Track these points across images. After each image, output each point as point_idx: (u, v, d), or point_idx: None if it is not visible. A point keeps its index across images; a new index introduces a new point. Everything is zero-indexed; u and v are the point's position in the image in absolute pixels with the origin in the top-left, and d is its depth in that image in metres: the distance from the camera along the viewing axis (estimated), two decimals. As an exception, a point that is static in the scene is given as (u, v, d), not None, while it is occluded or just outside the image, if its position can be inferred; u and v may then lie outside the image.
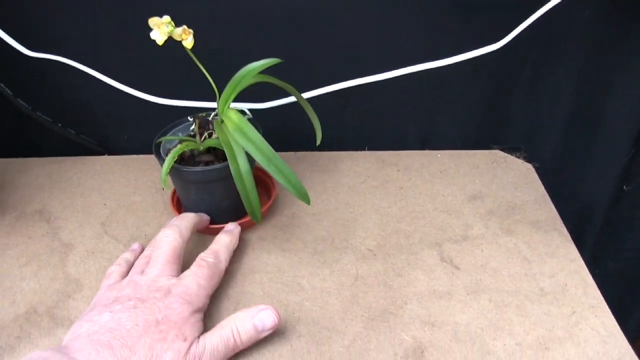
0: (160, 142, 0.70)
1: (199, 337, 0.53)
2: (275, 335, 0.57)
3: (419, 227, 0.71)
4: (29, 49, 0.75)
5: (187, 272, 0.59)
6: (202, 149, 0.68)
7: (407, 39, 0.75)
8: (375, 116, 0.83)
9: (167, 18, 0.58)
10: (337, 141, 0.78)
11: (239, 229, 0.69)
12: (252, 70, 0.65)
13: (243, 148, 0.61)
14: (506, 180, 0.79)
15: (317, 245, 0.68)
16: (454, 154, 0.84)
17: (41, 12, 0.74)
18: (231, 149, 0.62)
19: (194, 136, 0.70)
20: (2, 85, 0.77)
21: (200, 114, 0.71)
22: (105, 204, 0.78)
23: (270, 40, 0.75)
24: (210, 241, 0.65)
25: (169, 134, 0.72)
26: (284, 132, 0.77)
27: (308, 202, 0.61)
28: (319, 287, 0.63)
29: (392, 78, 0.76)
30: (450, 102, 0.82)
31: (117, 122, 0.85)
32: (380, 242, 0.69)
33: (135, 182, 0.82)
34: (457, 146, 0.85)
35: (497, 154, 0.84)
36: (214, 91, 0.63)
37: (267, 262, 0.66)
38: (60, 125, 0.82)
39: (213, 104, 0.79)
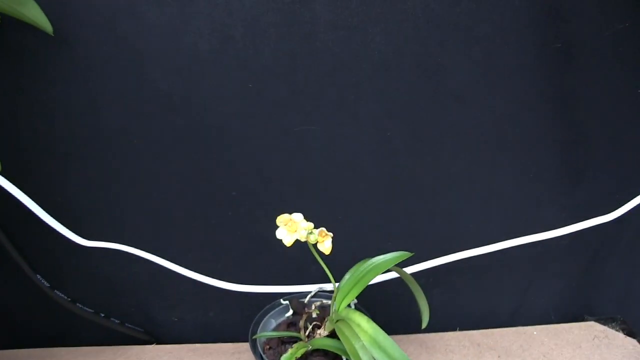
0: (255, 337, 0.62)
1: None
2: None
3: None
4: (84, 237, 0.65)
5: None
6: (309, 348, 0.58)
7: (510, 210, 0.70)
8: (465, 293, 0.75)
9: (309, 225, 0.52)
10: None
11: None
12: (380, 265, 0.57)
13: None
14: (617, 364, 0.71)
15: None
16: (550, 330, 0.76)
17: (97, 200, 0.67)
18: None
19: (293, 325, 0.62)
20: (38, 276, 0.65)
21: (297, 300, 0.64)
22: (167, 421, 0.65)
23: (357, 211, 0.69)
24: None
25: (263, 322, 0.64)
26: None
27: None
28: None
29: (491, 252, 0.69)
30: (544, 273, 0.75)
31: (166, 302, 0.74)
32: None
33: (200, 385, 0.69)
34: (549, 318, 0.78)
35: (595, 327, 0.77)
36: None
37: None
38: (102, 315, 0.70)
39: (278, 288, 0.70)
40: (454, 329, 0.76)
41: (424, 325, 0.64)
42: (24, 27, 0.56)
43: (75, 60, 0.59)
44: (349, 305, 0.59)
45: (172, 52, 0.59)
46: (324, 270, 0.56)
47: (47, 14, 0.56)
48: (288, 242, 0.52)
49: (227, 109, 0.62)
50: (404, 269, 0.65)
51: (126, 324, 0.72)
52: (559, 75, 0.62)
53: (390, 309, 0.72)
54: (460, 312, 0.77)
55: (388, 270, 0.60)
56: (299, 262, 0.70)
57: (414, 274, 0.66)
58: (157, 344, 0.75)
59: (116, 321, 0.71)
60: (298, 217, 0.52)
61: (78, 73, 0.60)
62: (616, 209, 0.67)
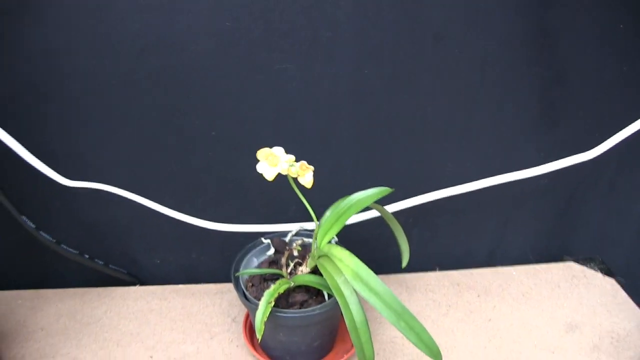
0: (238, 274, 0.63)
1: None
2: None
3: (525, 373, 0.63)
4: (66, 177, 0.65)
5: None
6: (292, 284, 0.59)
7: (489, 149, 0.70)
8: (444, 233, 0.76)
9: (290, 157, 0.52)
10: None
11: None
12: (361, 201, 0.58)
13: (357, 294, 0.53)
14: (595, 302, 0.72)
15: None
16: (529, 271, 0.77)
17: (78, 140, 0.67)
18: (343, 296, 0.53)
19: (275, 263, 0.63)
20: (24, 217, 0.65)
21: (279, 239, 0.66)
22: (151, 357, 0.66)
23: (335, 151, 0.70)
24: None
25: (245, 260, 0.65)
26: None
27: (440, 360, 0.53)
28: None
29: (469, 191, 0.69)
30: (522, 212, 0.76)
31: (148, 243, 0.75)
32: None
33: (182, 324, 0.70)
34: (527, 258, 0.79)
35: (573, 267, 0.78)
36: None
37: None
38: (87, 257, 0.70)
39: (259, 227, 0.70)
40: (432, 269, 0.77)
41: (404, 264, 0.65)
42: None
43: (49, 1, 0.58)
44: (329, 242, 0.59)
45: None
46: (304, 211, 0.57)
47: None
48: (269, 176, 0.52)
49: (202, 48, 0.61)
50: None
51: (110, 266, 0.73)
52: (540, 11, 0.61)
53: (368, 249, 0.72)
54: (439, 252, 0.78)
55: (369, 208, 0.60)
56: (280, 202, 0.70)
57: (392, 214, 0.66)
58: (140, 285, 0.77)
59: (100, 262, 0.72)
60: (279, 150, 0.52)
61: (52, 14, 0.59)
62: (594, 147, 0.67)
